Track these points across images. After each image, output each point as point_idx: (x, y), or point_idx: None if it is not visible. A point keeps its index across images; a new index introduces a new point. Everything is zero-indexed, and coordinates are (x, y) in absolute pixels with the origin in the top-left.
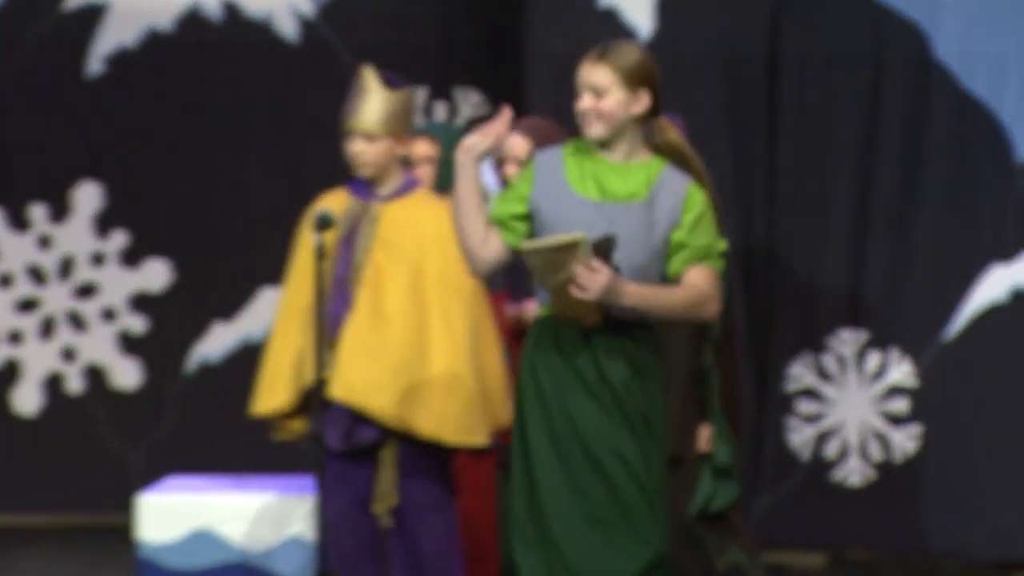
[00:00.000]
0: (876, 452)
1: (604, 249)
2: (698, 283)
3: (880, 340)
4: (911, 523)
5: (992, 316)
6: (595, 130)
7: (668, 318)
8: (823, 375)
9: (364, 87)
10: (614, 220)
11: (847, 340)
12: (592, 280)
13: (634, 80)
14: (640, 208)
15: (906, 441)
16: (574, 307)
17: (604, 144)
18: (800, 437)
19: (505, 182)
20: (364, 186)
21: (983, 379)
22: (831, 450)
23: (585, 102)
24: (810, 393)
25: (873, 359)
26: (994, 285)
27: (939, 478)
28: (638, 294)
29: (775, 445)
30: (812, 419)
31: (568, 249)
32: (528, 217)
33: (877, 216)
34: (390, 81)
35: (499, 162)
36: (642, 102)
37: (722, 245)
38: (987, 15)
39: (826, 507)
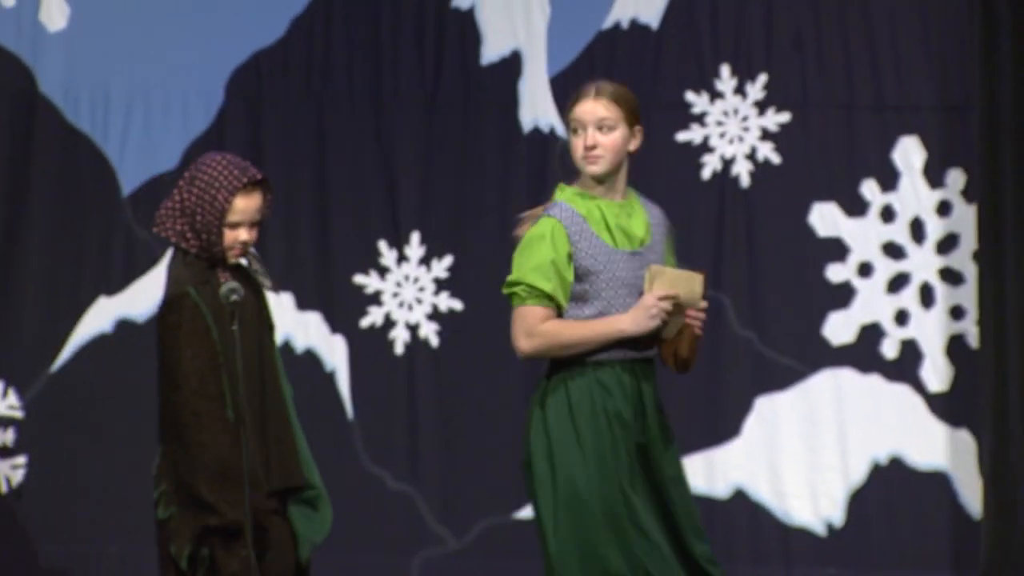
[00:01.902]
0: None
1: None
2: None
3: None
4: (24, 555)
5: (98, 345)
6: (599, 167)
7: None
8: None
9: None
10: (646, 263)
11: None
12: (702, 319)
13: (634, 117)
14: (654, 246)
15: (12, 471)
16: (690, 348)
17: (601, 182)
18: None
19: None
20: None
21: (89, 406)
22: None
23: (591, 138)
24: None
25: None
26: (100, 316)
27: (43, 509)
28: None
29: None
30: None
31: (671, 281)
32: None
33: None
34: None
35: None
36: (637, 139)
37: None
38: (90, 50)
39: None
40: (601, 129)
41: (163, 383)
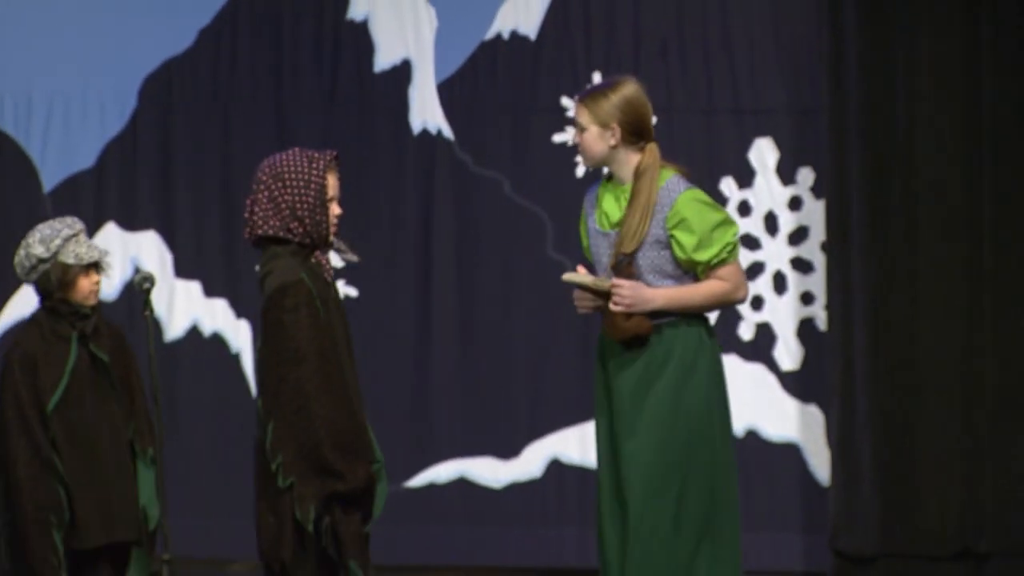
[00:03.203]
0: None
1: (620, 268)
2: (720, 278)
3: None
4: None
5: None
6: (584, 161)
7: (705, 309)
8: None
9: None
10: (611, 243)
11: None
12: (622, 297)
13: (608, 116)
14: (630, 230)
15: None
16: (621, 325)
17: (610, 171)
18: None
19: None
20: None
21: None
22: None
23: (574, 139)
24: None
25: None
26: (25, 302)
27: None
28: (663, 296)
29: None
30: None
31: (586, 286)
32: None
33: None
34: None
35: None
36: (616, 134)
37: (730, 235)
38: (12, 57)
39: None
40: (578, 129)
41: (278, 361)
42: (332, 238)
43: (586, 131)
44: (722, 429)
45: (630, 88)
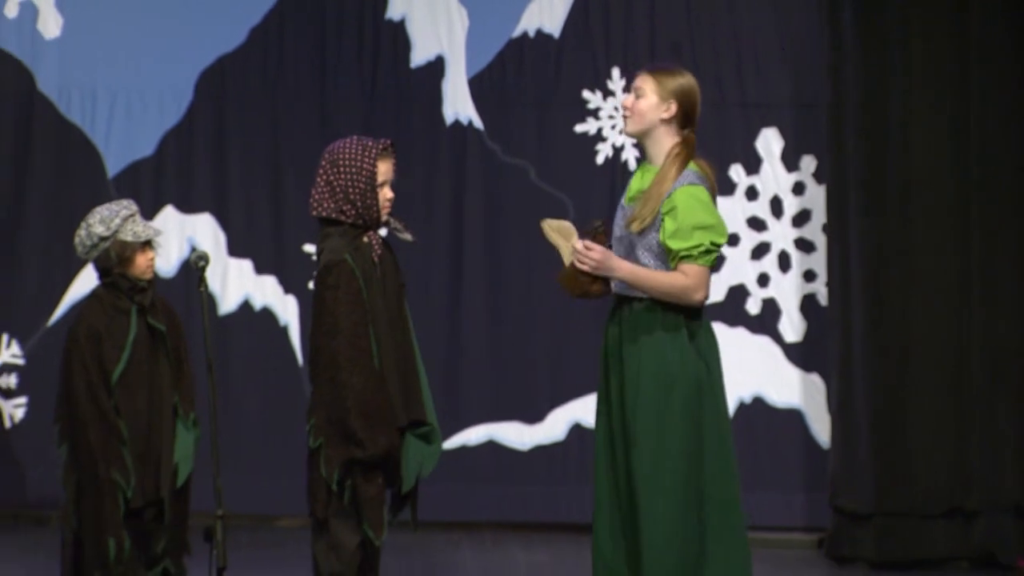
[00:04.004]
0: None
1: (593, 232)
2: (684, 273)
3: None
4: (19, 480)
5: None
6: (627, 127)
7: (660, 296)
8: None
9: None
10: (625, 215)
11: None
12: (587, 256)
13: (666, 93)
14: (644, 208)
15: (15, 409)
16: (579, 280)
17: (642, 149)
18: None
19: None
20: None
21: None
22: None
23: (623, 101)
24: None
25: None
26: (89, 279)
27: (37, 441)
28: (628, 270)
29: None
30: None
31: (558, 230)
32: None
33: None
34: None
35: None
36: (671, 110)
37: (715, 238)
38: (80, 54)
39: None
40: (637, 95)
41: (319, 333)
42: (387, 218)
43: (644, 98)
44: (713, 418)
45: (692, 79)
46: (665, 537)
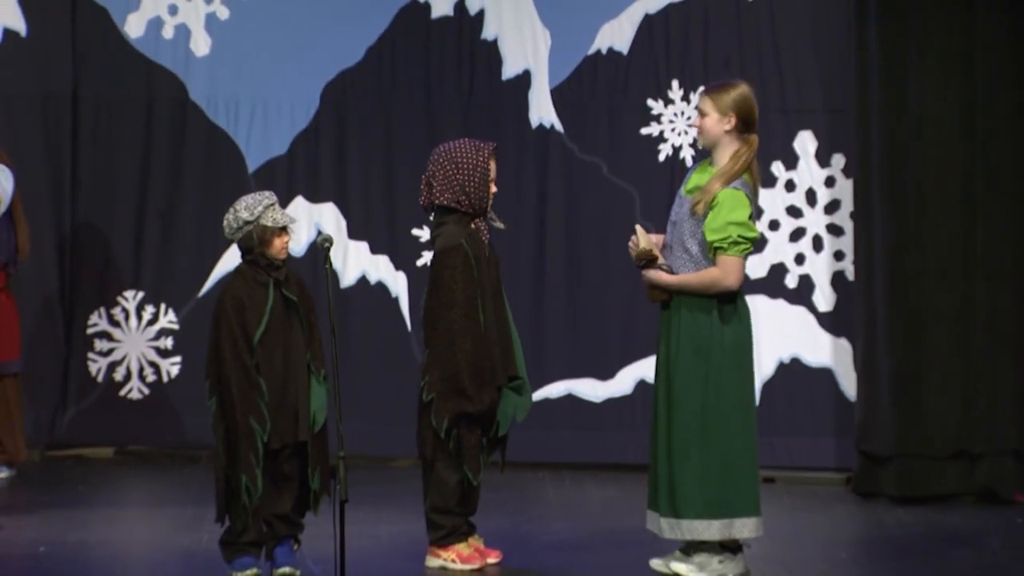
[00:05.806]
0: (150, 375)
1: (649, 264)
2: (717, 266)
3: (153, 297)
4: (176, 426)
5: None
6: (700, 139)
7: (700, 292)
8: (113, 322)
9: None
10: (682, 204)
11: (129, 297)
12: (648, 280)
13: (724, 108)
14: (690, 201)
15: (171, 367)
16: (651, 292)
17: (708, 153)
18: (96, 366)
19: None
20: None
21: None
22: (118, 375)
23: (693, 121)
24: (103, 335)
25: (148, 311)
26: (232, 257)
27: (191, 394)
28: (673, 283)
29: (79, 372)
30: (104, 353)
31: (642, 236)
32: None
33: (151, 217)
34: None
35: None
36: (731, 122)
37: (747, 232)
38: (225, 69)
39: (114, 415)
40: (700, 115)
41: (436, 304)
42: (490, 210)
43: (707, 116)
44: (741, 385)
45: (744, 88)
46: (695, 475)
